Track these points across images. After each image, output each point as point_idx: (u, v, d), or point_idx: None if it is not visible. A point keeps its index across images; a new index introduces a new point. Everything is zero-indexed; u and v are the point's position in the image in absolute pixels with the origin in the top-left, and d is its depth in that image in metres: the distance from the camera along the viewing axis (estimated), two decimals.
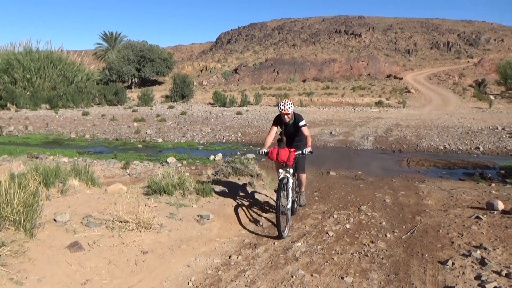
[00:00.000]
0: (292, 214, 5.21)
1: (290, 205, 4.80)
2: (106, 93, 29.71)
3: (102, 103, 29.39)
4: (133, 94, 34.53)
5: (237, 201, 5.88)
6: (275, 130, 5.33)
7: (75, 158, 10.57)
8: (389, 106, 28.49)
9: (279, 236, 4.53)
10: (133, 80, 52.15)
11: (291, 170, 4.93)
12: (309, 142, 5.00)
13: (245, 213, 5.49)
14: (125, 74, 49.97)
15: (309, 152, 4.81)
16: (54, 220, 4.09)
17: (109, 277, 3.27)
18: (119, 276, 3.33)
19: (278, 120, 5.27)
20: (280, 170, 4.90)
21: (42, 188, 5.04)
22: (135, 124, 18.43)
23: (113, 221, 4.19)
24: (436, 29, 78.19)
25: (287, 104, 5.01)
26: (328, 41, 72.21)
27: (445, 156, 11.37)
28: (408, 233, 4.73)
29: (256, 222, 5.27)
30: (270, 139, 5.19)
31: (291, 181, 4.84)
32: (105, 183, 6.82)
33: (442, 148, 12.35)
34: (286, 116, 5.07)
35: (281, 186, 4.56)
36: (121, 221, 4.14)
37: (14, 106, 26.48)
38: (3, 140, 14.89)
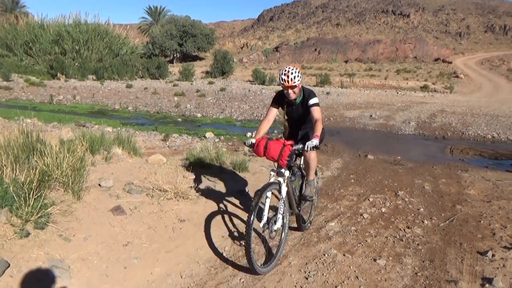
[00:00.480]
0: (300, 230, 4.14)
1: (279, 224, 3.35)
2: (149, 67, 30.41)
3: (145, 76, 30.18)
4: (175, 68, 35.13)
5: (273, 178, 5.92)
6: (275, 112, 3.84)
7: (119, 128, 10.99)
8: (435, 91, 27.26)
9: (253, 270, 3.11)
10: (175, 55, 52.95)
11: (286, 173, 3.40)
12: (319, 129, 3.42)
13: None
14: (167, 49, 50.81)
15: (313, 147, 3.22)
16: (99, 185, 4.32)
17: (149, 241, 3.44)
18: (158, 241, 3.49)
19: (280, 98, 3.82)
20: (271, 172, 3.43)
21: (88, 154, 5.32)
22: (176, 98, 18.81)
23: (153, 189, 4.37)
24: (493, 11, 72.97)
25: (291, 72, 3.47)
26: (374, 21, 69.47)
27: (492, 145, 10.81)
28: (447, 221, 4.60)
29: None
30: (265, 126, 3.74)
31: (284, 190, 3.38)
32: (146, 154, 7.09)
33: (490, 137, 11.73)
34: (290, 91, 3.57)
35: (261, 196, 3.16)
36: (160, 190, 4.30)
37: (64, 76, 27.74)
38: (53, 107, 15.73)
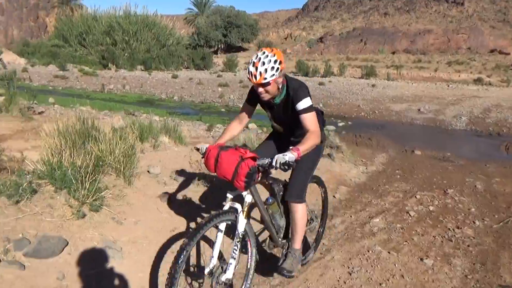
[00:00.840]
0: (284, 273, 2.73)
1: (229, 274, 2.40)
2: (194, 58, 31.02)
3: (190, 67, 30.83)
4: (219, 59, 35.55)
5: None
6: (249, 111, 2.82)
7: (165, 117, 11.34)
8: (490, 84, 25.67)
9: None
10: (219, 46, 53.57)
11: (248, 199, 2.48)
12: (306, 143, 2.35)
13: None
14: (212, 40, 51.52)
15: (284, 163, 2.18)
16: (148, 171, 4.49)
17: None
18: None
19: (255, 94, 2.59)
20: (228, 194, 2.47)
21: (138, 142, 5.54)
22: (220, 89, 19.07)
23: (198, 178, 4.48)
24: None
25: (263, 62, 2.33)
26: (424, 10, 66.22)
27: None
28: (501, 223, 4.35)
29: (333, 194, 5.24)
30: (234, 128, 2.81)
31: (242, 224, 2.44)
32: (191, 143, 7.27)
33: None
34: (261, 90, 2.45)
35: (201, 231, 2.24)
36: (205, 179, 4.41)
37: (114, 66, 28.95)
38: (104, 96, 16.51)
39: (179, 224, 3.53)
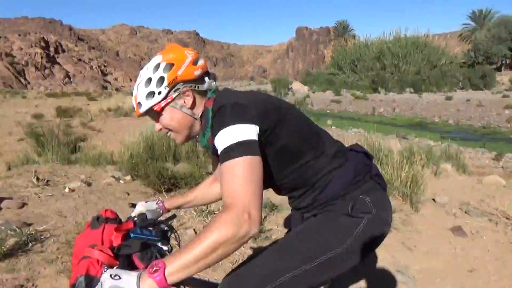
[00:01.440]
0: None
1: None
2: (471, 77, 27.88)
3: (465, 87, 27.89)
4: (503, 77, 30.56)
5: None
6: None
7: (439, 142, 10.59)
8: None
9: None
10: (503, 62, 46.02)
11: None
12: (196, 245, 0.87)
13: None
14: (493, 55, 44.80)
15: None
16: (433, 200, 4.25)
17: (497, 274, 3.04)
18: (508, 276, 3.04)
19: None
20: None
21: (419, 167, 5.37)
22: (506, 111, 16.28)
23: (496, 215, 3.87)
24: None
25: (141, 77, 1.19)
26: None
27: None
28: None
29: None
30: (202, 189, 1.51)
31: None
32: (475, 172, 6.49)
33: None
34: (157, 127, 1.24)
35: None
36: (507, 218, 3.76)
37: (384, 89, 29.65)
38: (374, 119, 17.09)
39: (477, 265, 3.12)
